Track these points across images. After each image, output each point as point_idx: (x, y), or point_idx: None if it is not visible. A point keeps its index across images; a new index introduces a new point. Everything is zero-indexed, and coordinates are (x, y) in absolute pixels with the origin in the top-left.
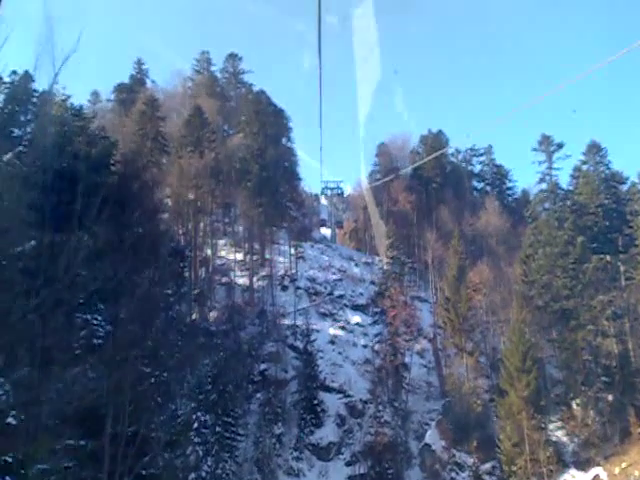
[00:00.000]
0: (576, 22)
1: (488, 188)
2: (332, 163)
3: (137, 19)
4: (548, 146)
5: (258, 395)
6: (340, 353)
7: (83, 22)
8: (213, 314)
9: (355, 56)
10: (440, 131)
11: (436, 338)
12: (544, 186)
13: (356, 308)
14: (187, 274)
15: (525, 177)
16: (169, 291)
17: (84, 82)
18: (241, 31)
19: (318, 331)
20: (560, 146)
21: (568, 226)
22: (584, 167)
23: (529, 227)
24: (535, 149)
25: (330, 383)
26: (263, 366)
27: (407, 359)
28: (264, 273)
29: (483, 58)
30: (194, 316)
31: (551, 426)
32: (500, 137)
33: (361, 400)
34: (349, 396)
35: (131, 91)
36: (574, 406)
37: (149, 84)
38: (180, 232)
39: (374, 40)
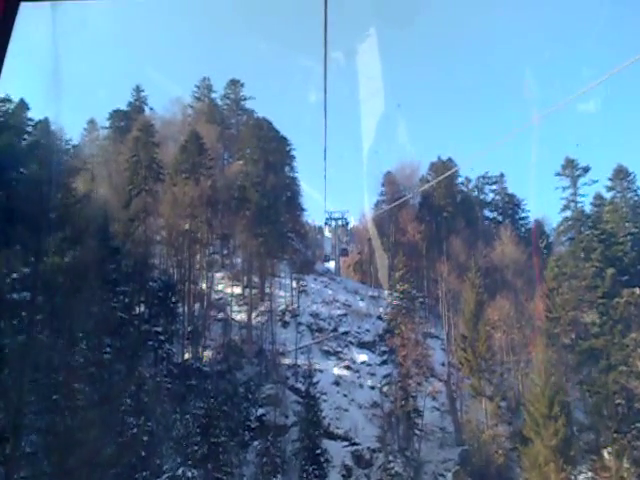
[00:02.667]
0: (582, 46)
1: (500, 217)
2: (336, 196)
3: (140, 53)
4: (573, 170)
5: (255, 443)
6: (345, 395)
7: (84, 51)
8: (207, 353)
9: (359, 90)
10: (450, 159)
11: (450, 379)
12: (568, 214)
13: (362, 346)
14: (180, 310)
15: (538, 207)
16: (159, 329)
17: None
18: (246, 66)
19: (321, 371)
20: (586, 170)
21: (596, 257)
22: (610, 194)
23: (551, 258)
24: (558, 174)
25: (335, 429)
26: (261, 411)
27: (419, 403)
28: (263, 308)
29: (490, 88)
30: (186, 355)
31: (580, 477)
32: (513, 166)
33: (369, 448)
34: (356, 444)
35: (128, 118)
36: (606, 455)
37: (147, 111)
38: (173, 264)
39: (378, 74)
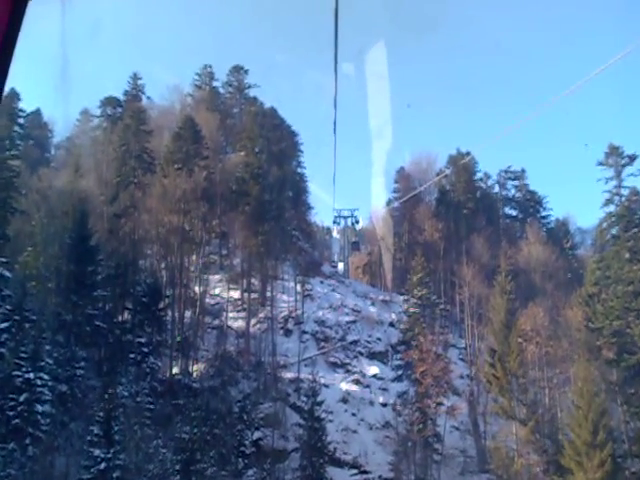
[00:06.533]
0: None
1: (521, 215)
2: (346, 199)
3: (144, 45)
4: (617, 159)
5: (250, 472)
6: (354, 415)
7: (89, 44)
8: (198, 367)
9: (368, 89)
10: (468, 152)
11: (473, 396)
12: (612, 208)
13: (373, 357)
14: (169, 317)
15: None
16: (142, 339)
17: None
18: (253, 62)
19: (327, 386)
20: (632, 159)
21: None
22: None
23: (592, 260)
24: (601, 163)
25: (341, 455)
26: (257, 434)
27: (439, 425)
28: (263, 314)
29: (507, 84)
30: (174, 370)
31: None
32: (534, 164)
33: (381, 478)
34: (365, 472)
35: (123, 107)
36: None
37: (145, 100)
38: (164, 266)
39: (386, 77)
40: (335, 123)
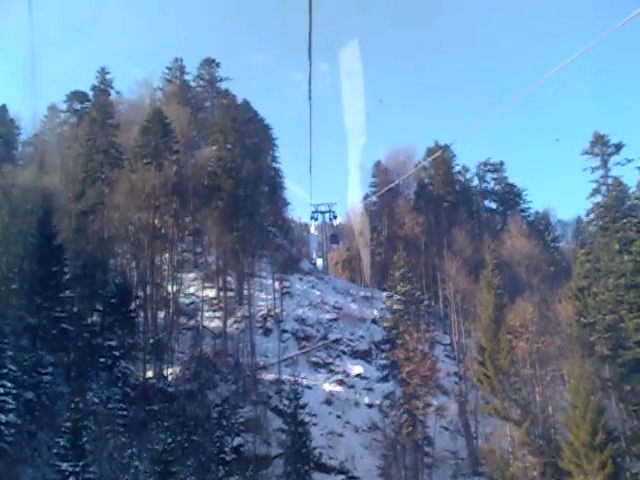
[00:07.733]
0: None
1: (501, 209)
2: (324, 195)
3: (113, 46)
4: (603, 148)
5: None
6: (339, 417)
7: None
8: (174, 370)
9: (342, 86)
10: (446, 145)
11: (462, 395)
12: (599, 199)
13: (356, 355)
14: (141, 318)
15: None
16: (113, 342)
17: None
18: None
19: (310, 387)
20: (618, 148)
21: (636, 250)
22: None
23: (580, 252)
24: (587, 152)
25: (327, 460)
26: (238, 440)
27: (429, 427)
28: (241, 313)
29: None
30: (148, 374)
31: None
32: (511, 157)
33: None
34: (353, 478)
35: (91, 102)
36: None
37: (113, 95)
38: (135, 265)
39: (360, 73)
40: (310, 91)
